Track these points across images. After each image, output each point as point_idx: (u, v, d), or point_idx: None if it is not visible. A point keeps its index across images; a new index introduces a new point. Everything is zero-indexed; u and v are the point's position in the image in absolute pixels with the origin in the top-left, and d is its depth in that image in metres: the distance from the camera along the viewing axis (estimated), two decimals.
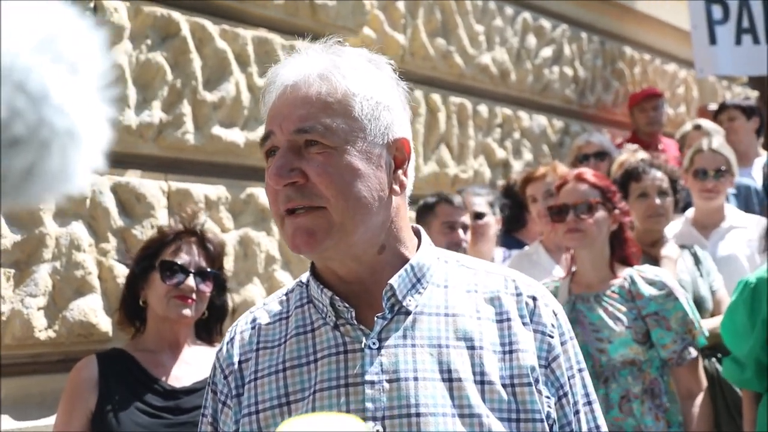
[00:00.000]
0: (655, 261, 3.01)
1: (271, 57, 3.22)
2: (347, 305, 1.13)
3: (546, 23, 5.01)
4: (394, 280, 1.13)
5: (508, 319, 1.16)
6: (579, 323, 2.55)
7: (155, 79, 2.86)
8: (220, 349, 1.23)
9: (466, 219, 3.20)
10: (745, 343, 2.48)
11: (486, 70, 4.54)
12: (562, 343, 1.18)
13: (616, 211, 2.61)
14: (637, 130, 5.28)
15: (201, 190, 2.93)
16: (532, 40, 4.89)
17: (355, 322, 1.13)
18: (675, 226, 3.35)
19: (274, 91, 1.16)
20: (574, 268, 2.70)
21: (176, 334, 2.26)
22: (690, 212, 3.49)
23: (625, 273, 2.58)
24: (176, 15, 2.92)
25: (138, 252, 2.38)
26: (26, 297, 2.46)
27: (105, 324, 2.59)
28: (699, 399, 2.54)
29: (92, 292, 2.59)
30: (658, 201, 3.08)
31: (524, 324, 1.16)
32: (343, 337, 1.13)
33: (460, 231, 3.15)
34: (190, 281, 2.23)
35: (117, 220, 2.69)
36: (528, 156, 4.74)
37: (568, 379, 1.17)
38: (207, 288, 2.27)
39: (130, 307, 2.32)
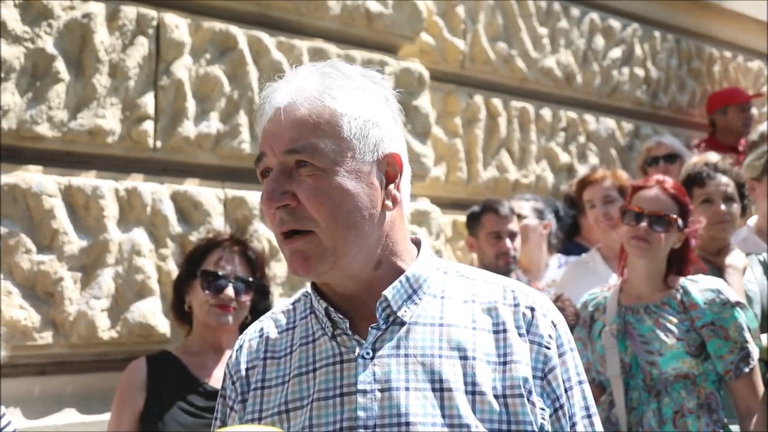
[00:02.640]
0: (719, 271, 2.87)
1: None
2: (341, 316, 1.15)
3: (615, 23, 4.88)
4: (388, 292, 1.14)
5: (504, 330, 1.15)
6: (629, 335, 2.49)
7: (213, 92, 2.97)
8: (230, 357, 1.27)
9: (513, 227, 3.19)
10: None
11: (550, 74, 4.46)
12: (560, 355, 1.17)
13: (686, 230, 2.52)
14: (717, 132, 5.05)
15: (256, 197, 3.02)
16: (599, 41, 4.78)
17: (350, 333, 1.14)
18: (738, 235, 3.21)
19: (266, 113, 1.17)
20: (624, 278, 2.62)
21: (219, 339, 2.34)
22: (753, 220, 3.33)
23: (677, 284, 2.50)
24: (234, 29, 3.02)
25: (183, 259, 2.47)
26: (91, 299, 2.61)
27: (163, 325, 2.72)
28: (758, 415, 2.39)
29: (152, 295, 2.72)
30: (723, 207, 2.94)
31: (520, 335, 1.15)
32: (340, 347, 1.15)
33: (507, 240, 3.15)
34: (230, 291, 2.29)
35: (176, 227, 2.80)
36: (594, 160, 4.63)
37: (565, 391, 1.16)
38: (247, 297, 2.33)
39: (178, 310, 2.42)
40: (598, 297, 2.64)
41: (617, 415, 2.47)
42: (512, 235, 3.17)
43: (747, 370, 2.41)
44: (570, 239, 3.78)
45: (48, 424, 2.53)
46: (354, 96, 1.16)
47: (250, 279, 2.36)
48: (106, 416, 2.44)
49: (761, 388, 2.46)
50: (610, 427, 2.50)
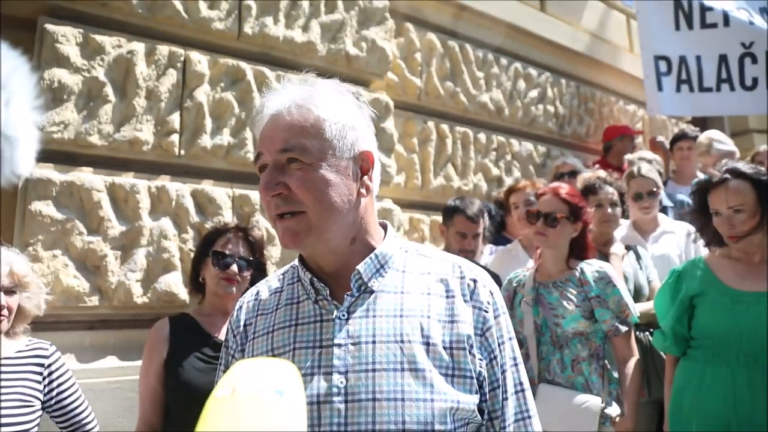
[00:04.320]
0: (606, 257, 2.99)
1: None
2: (323, 285, 1.13)
3: (533, 71, 4.98)
4: (360, 266, 1.12)
5: (453, 296, 1.13)
6: (541, 304, 2.56)
7: (226, 113, 2.99)
8: (232, 315, 1.24)
9: (479, 229, 3.11)
10: (667, 317, 2.46)
11: (485, 107, 4.53)
12: (495, 317, 1.15)
13: (579, 223, 2.58)
14: (609, 155, 5.16)
15: (258, 195, 3.03)
16: (522, 84, 4.87)
17: (330, 299, 1.12)
18: (621, 230, 3.35)
19: (263, 119, 1.14)
20: (539, 261, 2.70)
21: (225, 304, 2.31)
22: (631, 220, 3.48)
23: (577, 265, 2.58)
24: (243, 64, 3.05)
25: (199, 242, 2.44)
26: (128, 272, 2.61)
27: (183, 294, 2.73)
28: (631, 363, 2.51)
29: (175, 270, 2.72)
30: (609, 210, 3.06)
31: (465, 301, 1.13)
32: (321, 310, 1.13)
33: (471, 240, 3.07)
34: (234, 268, 2.26)
35: (194, 217, 2.81)
36: (517, 174, 4.71)
37: (498, 346, 1.14)
38: (248, 273, 2.30)
39: (194, 282, 2.39)
40: (520, 275, 2.71)
41: (531, 364, 2.55)
42: (476, 236, 3.10)
43: (624, 330, 2.49)
44: (499, 233, 3.83)
45: (95, 367, 2.53)
46: (333, 103, 1.13)
47: (251, 258, 2.33)
48: (139, 362, 2.44)
49: (634, 343, 2.57)
50: (526, 373, 2.57)
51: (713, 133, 4.59)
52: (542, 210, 2.56)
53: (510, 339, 1.18)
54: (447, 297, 1.13)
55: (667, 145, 5.01)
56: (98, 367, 2.54)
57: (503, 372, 1.15)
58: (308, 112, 1.10)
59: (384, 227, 1.20)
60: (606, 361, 2.53)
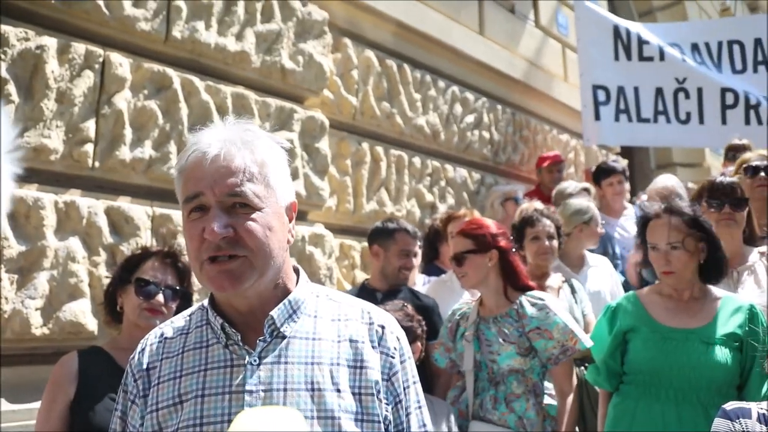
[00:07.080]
0: (542, 290, 3.03)
1: (246, 109, 3.28)
2: (234, 330, 1.18)
3: (470, 96, 5.14)
4: (274, 312, 1.18)
5: (362, 342, 1.21)
6: (479, 340, 2.61)
7: (149, 123, 2.90)
8: (133, 357, 1.25)
9: (417, 248, 3.18)
10: (601, 352, 2.55)
11: (421, 130, 4.62)
12: (402, 362, 1.24)
13: (492, 251, 2.56)
14: (542, 185, 5.40)
15: (180, 216, 2.94)
16: (458, 108, 5.01)
17: (241, 344, 1.17)
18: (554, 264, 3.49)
19: (194, 155, 1.16)
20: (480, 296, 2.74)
21: None
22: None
23: (517, 298, 2.63)
24: (170, 71, 2.98)
25: (119, 265, 2.33)
26: (26, 299, 2.44)
27: (92, 324, 2.59)
28: (569, 397, 2.60)
29: (83, 297, 2.58)
30: (546, 243, 3.16)
31: (373, 347, 1.21)
32: (231, 355, 1.17)
33: (413, 258, 3.14)
34: (160, 297, 2.19)
35: (108, 238, 2.69)
36: (451, 200, 4.82)
37: (404, 390, 1.23)
38: (174, 303, 2.23)
39: (109, 310, 2.30)
40: (464, 308, 2.75)
41: (466, 399, 2.60)
42: (416, 254, 3.15)
43: (563, 359, 2.57)
44: (431, 262, 3.87)
45: None
46: (272, 152, 1.20)
47: (178, 288, 2.25)
48: (35, 405, 2.27)
49: (573, 375, 2.66)
50: (459, 405, 2.62)
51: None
52: (453, 252, 2.66)
53: (414, 383, 1.27)
54: (356, 343, 1.21)
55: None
56: None
57: (407, 414, 1.24)
58: (255, 157, 1.16)
59: (296, 272, 1.27)
60: (543, 398, 2.60)
